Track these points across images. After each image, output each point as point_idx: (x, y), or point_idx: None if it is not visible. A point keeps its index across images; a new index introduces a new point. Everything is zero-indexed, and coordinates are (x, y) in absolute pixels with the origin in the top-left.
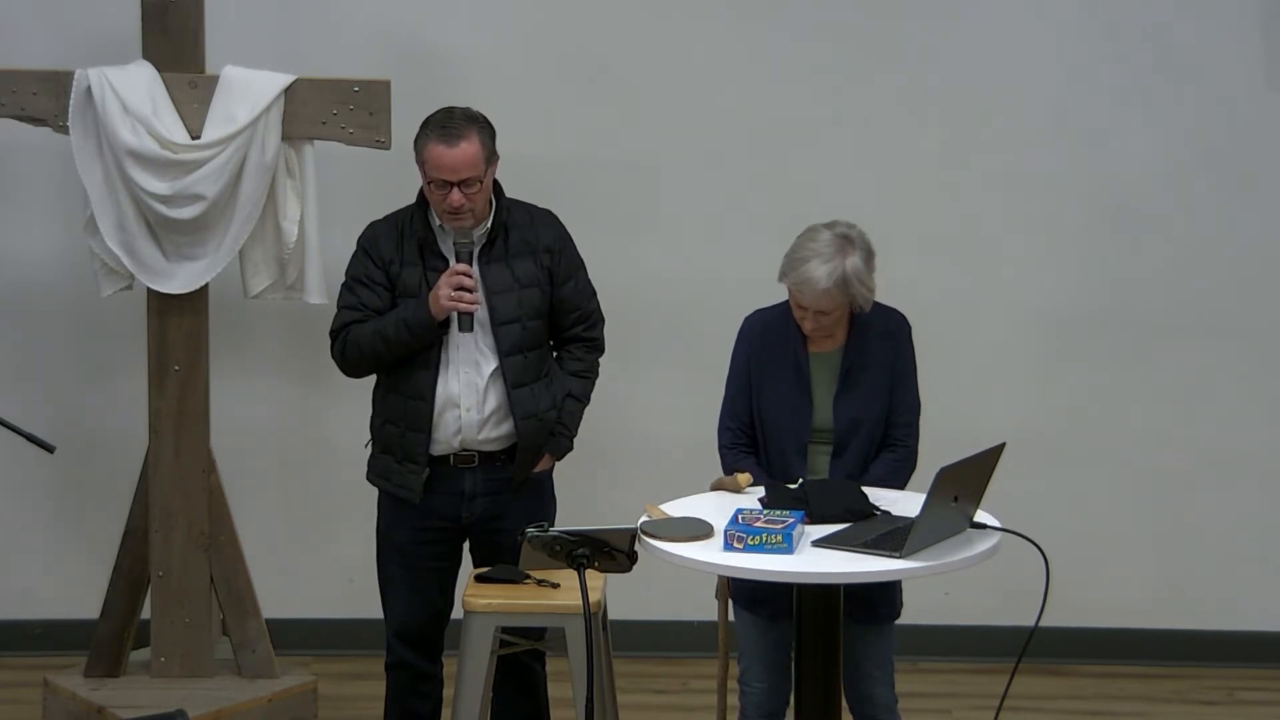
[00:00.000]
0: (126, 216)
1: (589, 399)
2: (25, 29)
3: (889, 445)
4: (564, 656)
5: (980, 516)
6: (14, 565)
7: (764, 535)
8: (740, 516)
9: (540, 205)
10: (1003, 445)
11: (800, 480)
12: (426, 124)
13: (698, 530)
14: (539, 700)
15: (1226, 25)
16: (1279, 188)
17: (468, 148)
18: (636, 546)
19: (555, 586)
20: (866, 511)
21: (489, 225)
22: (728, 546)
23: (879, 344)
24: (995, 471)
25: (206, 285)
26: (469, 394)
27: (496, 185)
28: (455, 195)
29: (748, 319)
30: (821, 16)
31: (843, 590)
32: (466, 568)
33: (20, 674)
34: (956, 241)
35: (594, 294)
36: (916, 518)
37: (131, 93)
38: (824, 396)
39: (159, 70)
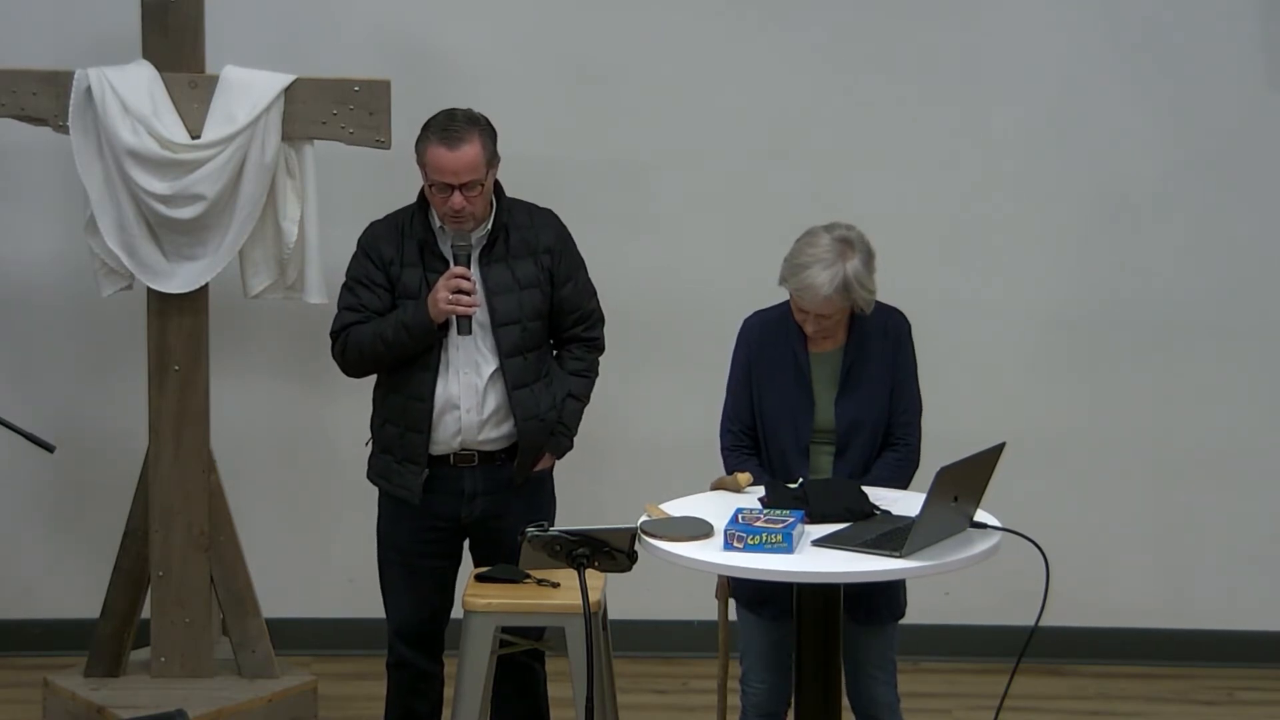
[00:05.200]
0: (126, 216)
1: (589, 398)
2: (25, 29)
3: (891, 444)
4: (564, 656)
5: (980, 516)
6: (14, 565)
7: (764, 535)
8: (740, 516)
9: (541, 205)
10: (1003, 445)
11: (800, 480)
12: (428, 126)
13: (698, 530)
14: (539, 700)
15: (1227, 25)
16: (1279, 188)
17: (469, 150)
18: (636, 546)
19: (555, 586)
20: (866, 511)
21: (489, 226)
22: (728, 546)
23: (879, 343)
24: (995, 471)
25: (206, 285)
26: (469, 395)
27: (497, 186)
28: (456, 198)
29: (747, 320)
30: (822, 17)
31: (843, 590)
32: (466, 567)
33: (20, 674)
34: (956, 241)
35: (594, 294)
36: (916, 517)
37: (131, 93)
38: (825, 397)
39: (159, 70)
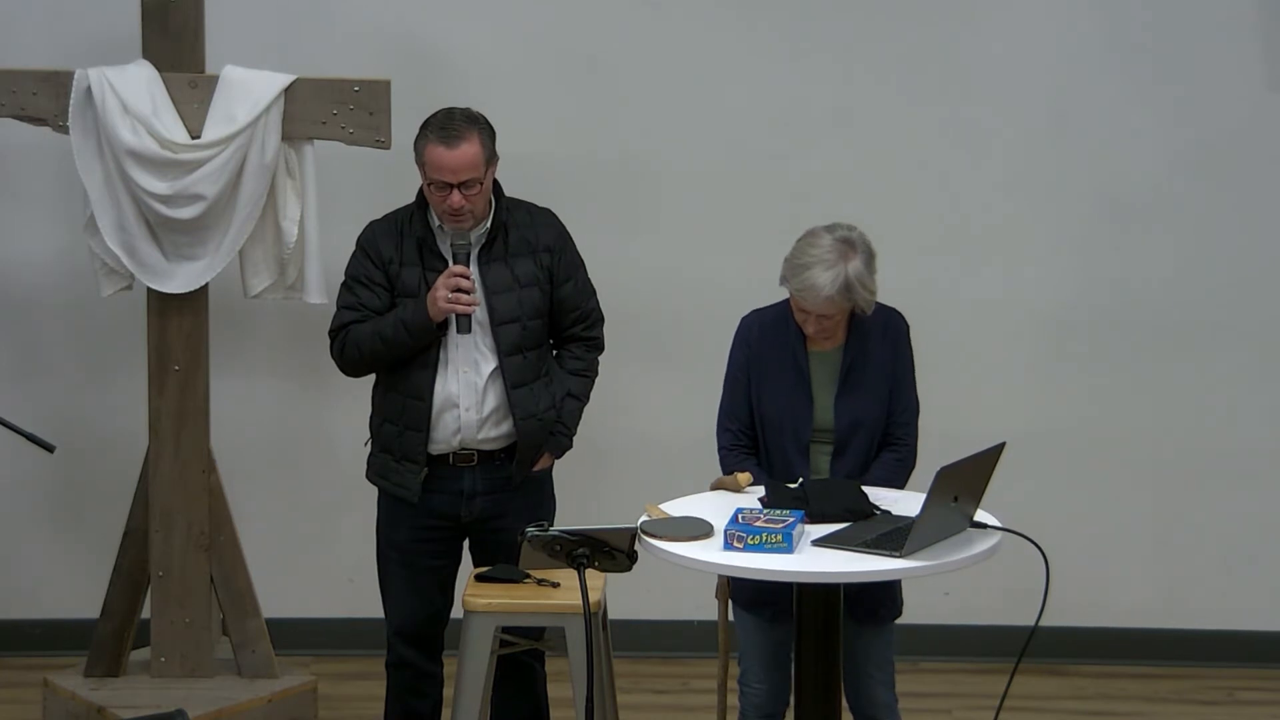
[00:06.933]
0: (126, 216)
1: (588, 398)
2: (25, 29)
3: (889, 445)
4: (564, 656)
5: (980, 516)
6: (14, 565)
7: (764, 535)
8: (740, 516)
9: (540, 204)
10: (1003, 445)
11: (800, 480)
12: (426, 125)
13: (698, 530)
14: (539, 700)
15: (1226, 27)
16: (1279, 188)
17: (468, 149)
18: (636, 546)
19: (555, 586)
20: (866, 511)
21: (488, 225)
22: (728, 546)
23: (879, 343)
24: (995, 471)
25: (206, 285)
26: (468, 394)
27: (496, 185)
28: (455, 197)
29: (745, 319)
30: (822, 16)
31: (843, 590)
32: (466, 567)
33: (20, 674)
34: (956, 242)
35: (593, 293)
36: (916, 517)
37: (131, 93)
38: (825, 396)
39: (159, 70)
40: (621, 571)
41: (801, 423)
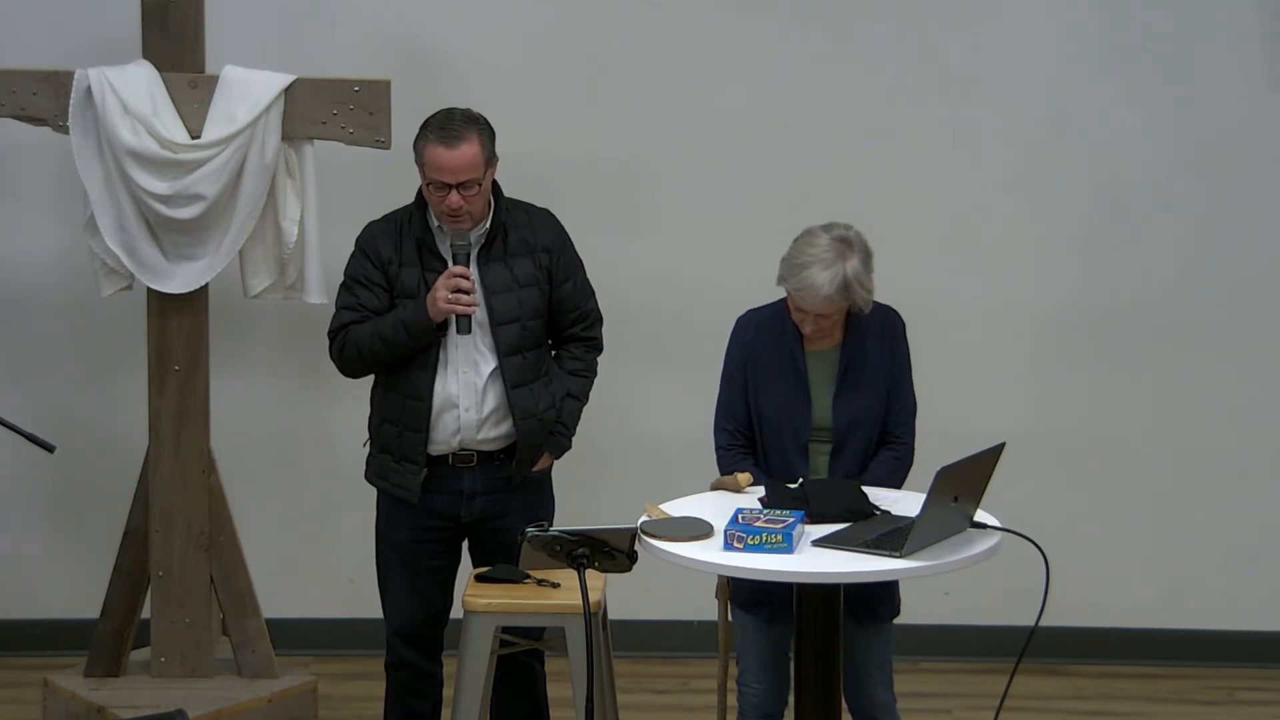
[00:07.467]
0: (126, 216)
1: (588, 398)
2: (25, 29)
3: (887, 443)
4: (564, 656)
5: (980, 516)
6: (14, 565)
7: (764, 535)
8: (740, 516)
9: (539, 205)
10: (1003, 445)
11: (800, 480)
12: (426, 125)
13: (698, 530)
14: (538, 700)
15: (1226, 27)
16: (1279, 188)
17: (467, 150)
18: (636, 546)
19: (555, 586)
20: (866, 511)
21: (487, 226)
22: (728, 546)
23: (876, 342)
24: (995, 471)
25: (206, 285)
26: (468, 394)
27: (495, 185)
28: (454, 197)
29: (740, 319)
30: (822, 17)
31: (843, 590)
32: (466, 567)
33: (20, 674)
34: (956, 242)
35: (592, 293)
36: (916, 517)
37: (131, 93)
38: (823, 396)
39: (159, 70)
40: (621, 571)
41: (800, 422)
